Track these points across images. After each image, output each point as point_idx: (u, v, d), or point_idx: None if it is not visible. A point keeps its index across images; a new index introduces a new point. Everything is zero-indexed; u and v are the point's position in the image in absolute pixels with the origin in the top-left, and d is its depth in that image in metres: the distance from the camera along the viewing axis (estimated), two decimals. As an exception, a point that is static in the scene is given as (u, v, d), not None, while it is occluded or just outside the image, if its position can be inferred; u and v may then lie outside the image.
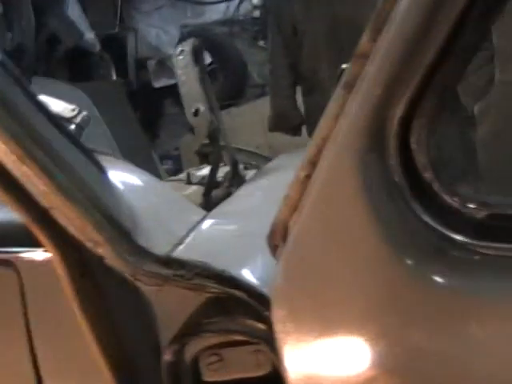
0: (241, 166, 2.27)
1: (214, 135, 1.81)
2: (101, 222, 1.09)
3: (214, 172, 1.90)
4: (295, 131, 3.60)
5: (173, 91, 4.17)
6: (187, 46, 1.90)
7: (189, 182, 2.15)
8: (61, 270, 1.12)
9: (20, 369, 1.26)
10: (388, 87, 0.98)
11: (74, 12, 5.64)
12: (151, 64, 6.06)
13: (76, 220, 1.07)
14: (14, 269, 1.25)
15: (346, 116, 1.00)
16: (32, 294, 1.25)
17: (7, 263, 1.25)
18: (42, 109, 1.15)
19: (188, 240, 1.24)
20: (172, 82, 5.24)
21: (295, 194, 1.04)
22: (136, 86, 6.14)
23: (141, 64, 6.20)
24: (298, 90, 3.65)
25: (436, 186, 1.01)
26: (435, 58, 0.97)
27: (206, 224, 1.35)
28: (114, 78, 5.97)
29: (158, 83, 5.95)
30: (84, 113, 1.64)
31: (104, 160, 1.46)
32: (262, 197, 1.56)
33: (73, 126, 1.64)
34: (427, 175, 1.01)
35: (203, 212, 1.48)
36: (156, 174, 4.77)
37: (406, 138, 1.00)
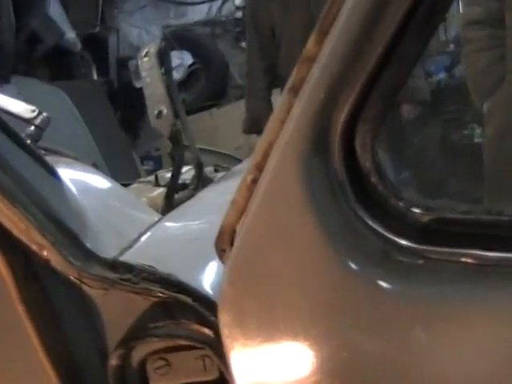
0: (211, 169, 2.26)
1: (175, 138, 1.81)
2: (46, 225, 1.08)
3: (176, 175, 1.90)
4: (270, 134, 3.57)
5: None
6: (153, 47, 1.89)
7: (157, 183, 2.14)
8: (5, 272, 1.11)
9: None
10: (332, 91, 0.97)
11: (55, 11, 5.61)
12: (132, 64, 6.04)
13: (19, 222, 1.07)
14: None
15: (290, 120, 1.00)
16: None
17: None
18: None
19: (138, 244, 1.23)
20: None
21: (242, 198, 1.04)
22: (117, 85, 6.13)
23: (122, 64, 6.20)
24: (275, 92, 3.64)
25: (381, 190, 1.00)
26: (379, 62, 0.96)
27: (159, 227, 1.34)
28: (95, 77, 5.96)
29: (140, 83, 5.91)
30: (44, 114, 1.63)
31: (62, 162, 1.46)
32: (222, 200, 1.55)
33: (32, 128, 1.63)
34: (372, 179, 1.00)
35: (158, 215, 1.47)
36: (136, 174, 4.76)
37: (350, 142, 1.00)
